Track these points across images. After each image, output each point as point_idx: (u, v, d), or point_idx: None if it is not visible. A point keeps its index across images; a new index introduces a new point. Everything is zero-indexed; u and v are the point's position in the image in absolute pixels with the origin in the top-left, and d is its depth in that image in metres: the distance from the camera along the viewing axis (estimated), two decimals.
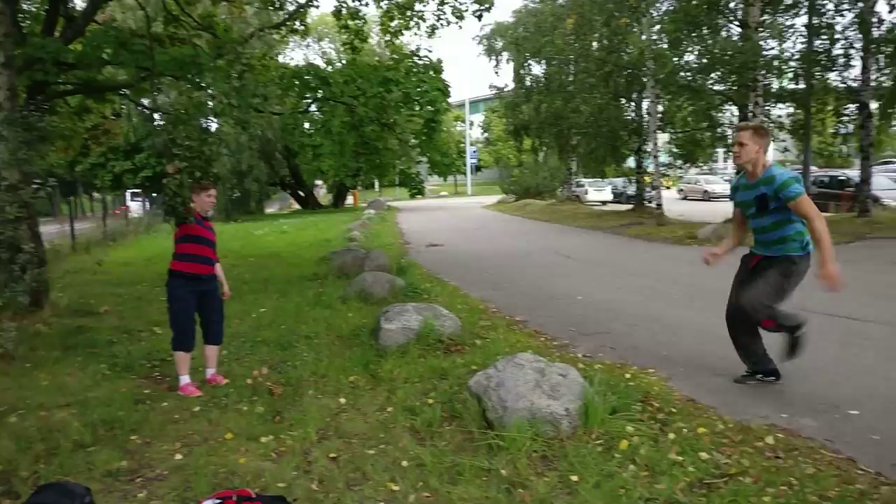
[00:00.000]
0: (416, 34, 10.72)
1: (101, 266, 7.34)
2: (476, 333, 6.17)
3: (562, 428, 3.62)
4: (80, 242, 17.10)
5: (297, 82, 8.32)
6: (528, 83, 28.02)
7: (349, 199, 45.86)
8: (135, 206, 34.91)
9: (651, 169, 19.73)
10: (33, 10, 12.04)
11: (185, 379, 4.91)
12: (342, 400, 4.52)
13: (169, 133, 5.03)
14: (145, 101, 13.99)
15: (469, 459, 3.40)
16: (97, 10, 10.14)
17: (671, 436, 3.55)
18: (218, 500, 2.70)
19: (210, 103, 7.13)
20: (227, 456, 3.65)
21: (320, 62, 35.31)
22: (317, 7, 12.93)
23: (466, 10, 11.66)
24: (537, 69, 27.93)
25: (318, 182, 51.31)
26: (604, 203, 31.26)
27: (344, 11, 11.46)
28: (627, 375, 4.66)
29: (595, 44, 21.32)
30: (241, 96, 7.58)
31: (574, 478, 3.18)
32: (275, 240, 18.40)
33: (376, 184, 56.35)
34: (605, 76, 19.85)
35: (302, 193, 42.01)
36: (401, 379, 4.87)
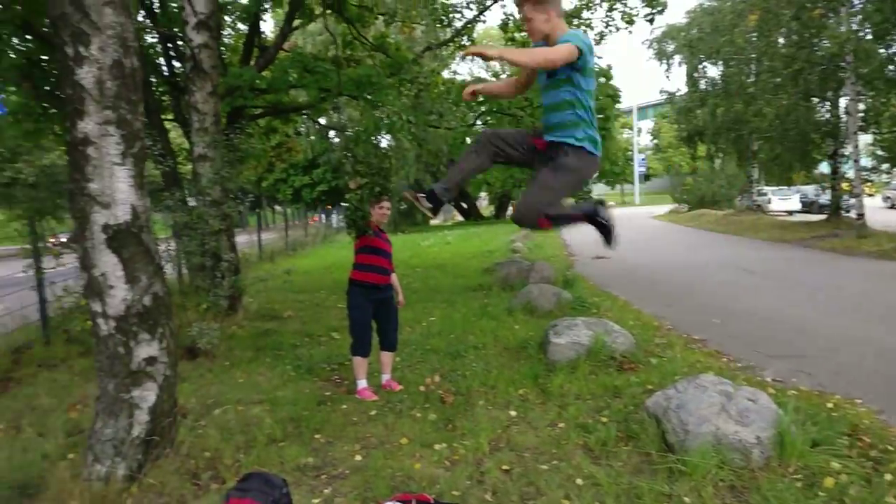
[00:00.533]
0: None
1: (290, 276, 8.00)
2: (650, 351, 5.90)
3: (752, 458, 3.34)
4: (266, 252, 18.73)
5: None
6: (702, 86, 26.47)
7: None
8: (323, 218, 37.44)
9: (851, 174, 17.63)
10: (231, 42, 13.52)
11: (362, 383, 5.18)
12: (512, 412, 4.52)
13: (350, 151, 5.36)
14: (322, 120, 15.03)
15: (648, 483, 3.25)
16: (286, 39, 11.14)
17: (888, 477, 3.14)
18: (399, 503, 2.80)
19: (391, 120, 7.51)
20: (403, 460, 3.79)
21: (485, 75, 36.12)
22: (483, 22, 13.16)
23: (637, 15, 11.26)
24: (713, 71, 26.32)
25: (481, 193, 52.23)
26: (790, 213, 28.63)
27: (510, 24, 11.58)
28: (829, 405, 4.20)
29: (782, 40, 19.57)
30: (418, 114, 7.90)
31: None
32: (440, 250, 18.95)
33: None
34: (793, 74, 18.14)
35: (465, 205, 43.02)
36: (571, 395, 4.78)
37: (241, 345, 6.99)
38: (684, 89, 27.63)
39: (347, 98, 11.16)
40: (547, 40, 3.19)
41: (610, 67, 8.41)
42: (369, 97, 9.65)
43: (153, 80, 10.96)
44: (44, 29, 8.63)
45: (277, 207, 53.23)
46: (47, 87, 9.42)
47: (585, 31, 2.96)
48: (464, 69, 43.77)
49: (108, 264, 3.32)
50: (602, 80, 8.03)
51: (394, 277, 5.41)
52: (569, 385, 4.96)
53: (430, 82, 8.51)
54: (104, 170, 3.27)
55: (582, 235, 21.46)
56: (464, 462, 3.73)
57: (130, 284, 3.37)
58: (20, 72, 8.01)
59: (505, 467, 3.63)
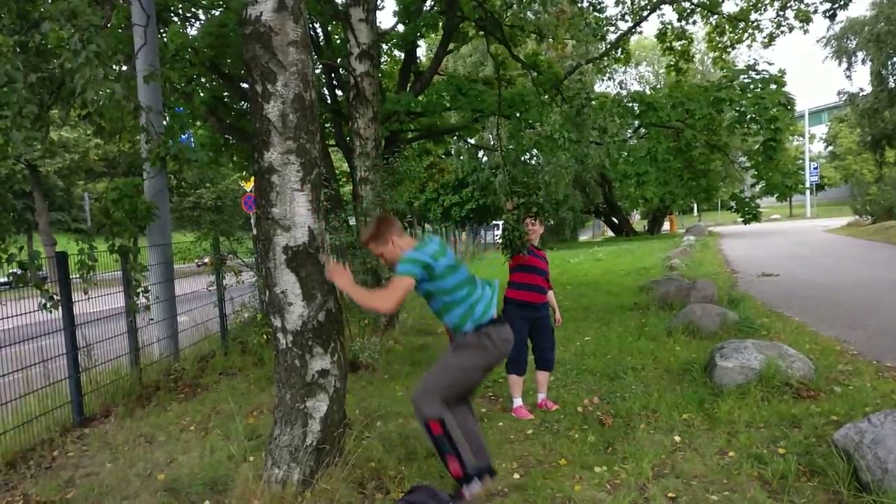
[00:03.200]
0: (748, 46, 9.87)
1: None
2: (833, 378, 5.37)
3: None
4: None
5: (620, 110, 8.33)
6: (892, 84, 23.85)
7: (665, 226, 44.22)
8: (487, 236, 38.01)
9: None
10: (386, 68, 14.24)
11: (518, 401, 5.18)
12: (676, 438, 4.31)
13: (507, 171, 5.43)
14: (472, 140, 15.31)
15: None
16: (440, 63, 11.55)
17: None
18: None
19: (552, 137, 7.51)
20: (563, 482, 3.73)
21: (636, 87, 35.09)
22: (640, 33, 12.81)
23: (815, 12, 10.35)
24: None
25: (636, 209, 50.59)
26: None
27: (669, 33, 11.16)
28: None
29: None
30: (580, 131, 7.85)
31: None
32: (590, 267, 18.56)
33: (695, 208, 53.36)
34: None
35: (615, 220, 41.84)
36: (742, 422, 4.47)
37: (399, 359, 7.26)
38: (868, 89, 25.05)
39: (503, 119, 11.37)
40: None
41: (783, 73, 7.70)
42: (520, 116, 9.72)
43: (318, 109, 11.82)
44: (226, 70, 9.65)
45: (427, 226, 54.99)
46: (228, 121, 10.50)
47: (427, 243, 3.00)
48: (608, 82, 42.70)
49: (288, 283, 3.60)
50: (773, 87, 7.37)
51: (550, 295, 5.38)
52: (738, 411, 4.65)
53: (592, 98, 8.41)
54: (286, 195, 3.57)
55: (746, 251, 20.16)
56: (626, 486, 3.60)
57: (307, 301, 3.63)
58: (208, 108, 9.00)
59: (671, 495, 3.46)
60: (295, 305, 3.62)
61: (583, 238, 45.90)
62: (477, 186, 38.69)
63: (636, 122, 9.00)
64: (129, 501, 3.79)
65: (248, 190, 16.70)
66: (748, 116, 7.39)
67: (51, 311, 5.04)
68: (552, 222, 35.87)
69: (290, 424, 3.68)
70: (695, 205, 48.63)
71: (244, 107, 10.59)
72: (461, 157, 39.05)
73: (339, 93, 12.71)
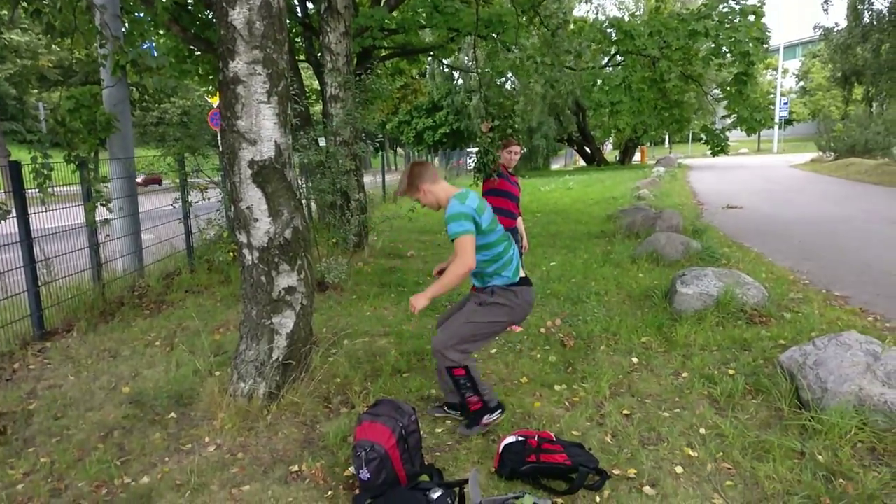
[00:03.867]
0: None
1: (414, 213, 8.19)
2: (784, 306, 5.58)
3: None
4: (389, 193, 19.23)
5: (598, 36, 8.15)
6: (866, 20, 23.68)
7: (636, 156, 44.36)
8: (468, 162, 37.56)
9: None
10: None
11: None
12: (634, 359, 4.47)
13: (482, 94, 5.33)
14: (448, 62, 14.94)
15: (777, 438, 3.13)
16: None
17: None
18: (521, 438, 2.88)
19: (523, 62, 7.33)
20: (524, 398, 3.87)
21: (616, 13, 34.30)
22: None
23: None
24: (881, 2, 23.45)
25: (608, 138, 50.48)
26: None
27: None
28: None
29: None
30: (554, 54, 7.66)
31: None
32: (561, 196, 18.64)
33: (666, 140, 53.51)
34: None
35: (588, 150, 41.78)
36: (697, 345, 4.65)
37: (368, 280, 7.30)
38: (844, 24, 24.87)
39: (479, 39, 11.06)
40: (442, 205, 3.44)
41: (762, 4, 7.46)
42: (497, 36, 9.47)
43: (287, 21, 11.34)
44: None
45: (399, 150, 54.23)
46: (194, 31, 10.02)
47: (468, 195, 2.91)
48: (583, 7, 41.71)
49: (254, 198, 3.55)
50: (751, 17, 7.17)
51: (520, 222, 5.40)
52: (694, 335, 4.83)
53: (569, 20, 8.18)
54: (252, 108, 3.47)
55: (713, 184, 20.31)
56: (584, 404, 3.75)
57: (273, 218, 3.59)
58: (170, 15, 8.54)
59: (626, 412, 3.62)
60: (261, 221, 3.59)
61: (555, 167, 45.88)
62: (451, 110, 38.06)
63: (613, 50, 8.84)
64: (94, 412, 3.82)
65: (215, 105, 16.15)
66: (723, 49, 7.32)
67: (2, 221, 4.89)
68: (525, 149, 35.70)
69: (256, 340, 3.71)
70: (666, 136, 48.76)
71: (210, 16, 10.10)
72: (436, 79, 38.21)
73: (310, 5, 12.19)
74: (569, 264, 7.78)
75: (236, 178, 3.54)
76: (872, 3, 23.43)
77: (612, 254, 8.19)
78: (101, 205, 6.12)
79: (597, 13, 35.23)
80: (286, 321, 3.74)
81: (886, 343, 3.65)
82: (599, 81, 8.18)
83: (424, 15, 10.02)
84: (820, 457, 2.97)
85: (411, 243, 10.20)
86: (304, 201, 8.14)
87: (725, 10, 7.54)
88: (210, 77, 11.90)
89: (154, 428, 3.59)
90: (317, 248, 6.99)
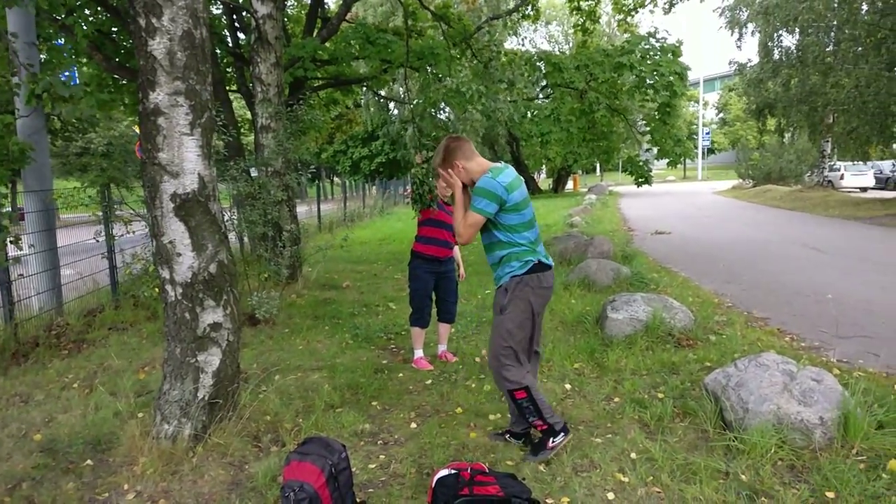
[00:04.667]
0: (651, 11, 10.09)
1: (346, 242, 8.11)
2: (710, 328, 5.78)
3: (814, 438, 3.25)
4: (325, 223, 19.03)
5: (527, 68, 8.39)
6: (776, 56, 25.12)
7: (569, 185, 45.50)
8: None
9: None
10: (294, 13, 13.61)
11: (419, 353, 5.26)
12: (567, 386, 4.52)
13: (415, 124, 5.35)
14: (382, 92, 15.01)
15: (704, 459, 3.21)
16: (349, 10, 11.18)
17: None
18: (453, 471, 2.84)
19: (461, 91, 7.42)
20: (458, 429, 3.84)
21: (547, 47, 35.37)
22: None
23: None
24: (789, 40, 24.94)
25: (541, 167, 51.57)
26: (864, 189, 27.30)
27: None
28: None
29: (865, 6, 18.48)
30: (488, 83, 7.82)
31: (830, 494, 2.85)
32: None
33: (598, 168, 55.16)
34: (876, 44, 17.13)
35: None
36: (628, 370, 4.75)
37: (301, 313, 7.16)
38: (756, 60, 26.36)
39: (410, 70, 11.16)
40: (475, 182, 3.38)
41: (680, 43, 7.96)
42: (431, 68, 9.59)
43: (218, 51, 11.20)
44: (114, 2, 8.90)
45: (336, 179, 53.78)
46: (118, 59, 9.75)
47: (503, 170, 2.95)
48: (516, 41, 42.97)
49: (177, 232, 3.44)
50: (670, 56, 7.62)
51: (456, 251, 5.43)
52: (625, 360, 4.93)
53: (500, 51, 8.38)
54: (174, 140, 3.37)
55: (642, 210, 21.03)
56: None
57: (197, 252, 3.48)
58: (92, 43, 8.29)
59: None
60: (184, 256, 3.47)
61: None
62: (387, 140, 38.11)
63: (543, 82, 9.11)
64: (1, 463, 3.57)
65: None
66: (647, 81, 7.66)
67: None
68: None
69: (180, 379, 3.57)
70: (598, 165, 50.30)
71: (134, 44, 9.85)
72: (370, 109, 38.26)
73: (241, 35, 12.08)
74: None
75: (158, 211, 3.42)
76: (782, 41, 24.94)
77: None
78: (10, 242, 5.79)
79: (525, 46, 36.30)
80: (212, 359, 3.61)
81: (801, 363, 3.81)
82: (532, 112, 8.40)
83: (357, 46, 10.07)
84: (743, 476, 3.05)
85: (347, 274, 10.09)
86: (235, 233, 7.97)
87: (647, 47, 7.92)
88: (137, 106, 11.59)
89: (67, 477, 3.37)
90: (247, 281, 6.81)
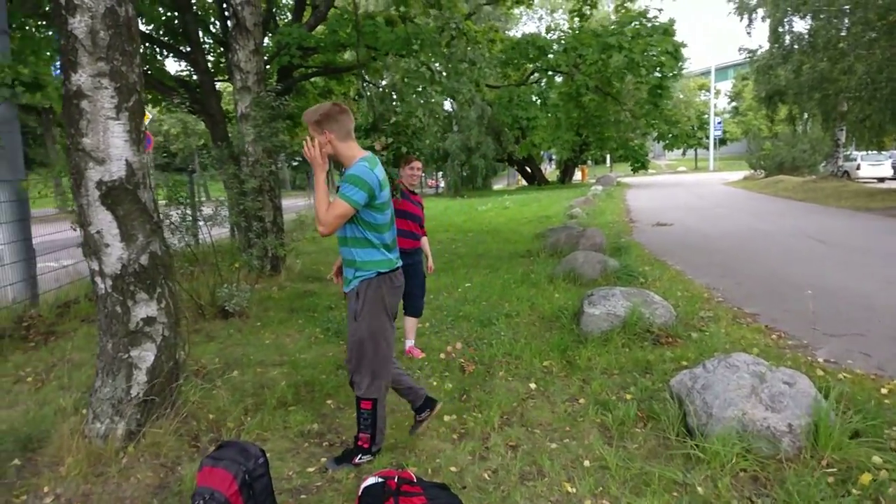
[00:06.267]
0: None
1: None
2: (693, 325, 5.52)
3: (781, 447, 3.02)
4: None
5: (516, 53, 8.10)
6: (787, 42, 24.44)
7: (577, 175, 45.02)
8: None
9: None
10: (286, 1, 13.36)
11: (410, 343, 5.09)
12: (532, 385, 4.30)
13: (375, 110, 5.14)
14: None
15: (660, 469, 2.98)
16: None
17: None
18: (380, 479, 2.64)
19: (418, 72, 7.17)
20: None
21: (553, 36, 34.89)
22: None
23: None
24: (800, 25, 24.25)
25: (553, 158, 51.13)
26: (881, 180, 26.61)
27: None
28: (884, 391, 3.80)
29: None
30: (450, 63, 7.53)
31: None
32: (496, 215, 18.60)
33: (608, 158, 54.56)
34: (889, 27, 16.55)
35: (529, 169, 42.10)
36: (598, 369, 4.51)
37: (278, 306, 6.99)
38: (766, 46, 25.73)
39: (399, 58, 10.91)
40: (344, 164, 3.10)
41: (672, 21, 7.62)
42: (416, 54, 9.34)
43: (208, 40, 11.01)
44: None
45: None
46: None
47: (378, 164, 2.65)
48: (531, 28, 42.50)
49: (104, 222, 3.25)
50: (662, 34, 7.32)
51: (424, 242, 5.22)
52: (598, 358, 4.70)
53: (464, 28, 8.07)
54: (98, 124, 3.17)
55: (648, 202, 20.61)
56: (470, 436, 3.55)
57: (126, 243, 3.29)
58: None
59: (512, 443, 3.43)
60: (113, 247, 3.28)
61: (497, 186, 46.14)
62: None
63: (532, 66, 8.84)
64: None
65: None
66: (636, 61, 7.37)
67: None
68: (466, 171, 35.81)
69: (112, 375, 3.39)
70: (608, 156, 49.74)
71: None
72: (363, 97, 37.98)
73: (230, 24, 11.86)
74: (487, 285, 7.61)
75: (83, 199, 3.23)
76: (793, 26, 24.28)
77: (531, 273, 8.08)
78: None
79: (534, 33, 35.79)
80: (146, 354, 3.42)
81: (782, 363, 3.56)
82: (515, 98, 8.13)
83: (344, 34, 9.82)
84: (700, 489, 2.83)
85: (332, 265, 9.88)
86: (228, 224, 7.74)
87: (637, 26, 7.62)
88: None
89: None
90: (219, 273, 6.62)
